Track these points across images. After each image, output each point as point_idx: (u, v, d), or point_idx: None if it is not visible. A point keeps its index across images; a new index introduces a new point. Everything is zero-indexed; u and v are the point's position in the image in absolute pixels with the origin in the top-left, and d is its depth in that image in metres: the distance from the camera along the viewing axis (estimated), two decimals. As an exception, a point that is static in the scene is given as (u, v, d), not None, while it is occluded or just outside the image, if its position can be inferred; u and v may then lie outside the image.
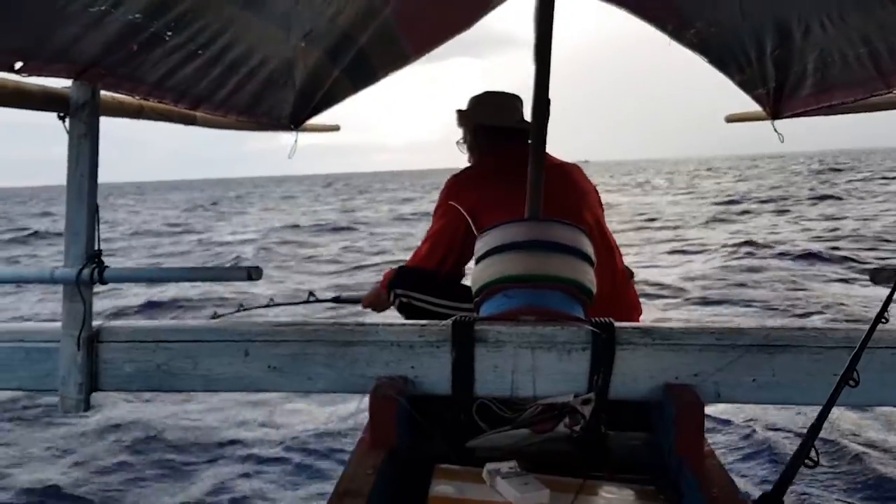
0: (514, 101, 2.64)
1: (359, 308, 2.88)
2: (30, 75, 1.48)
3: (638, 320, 2.49)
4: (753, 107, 2.94)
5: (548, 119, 2.16)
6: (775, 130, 2.86)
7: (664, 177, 51.12)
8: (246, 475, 3.55)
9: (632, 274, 2.81)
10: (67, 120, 1.77)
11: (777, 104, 2.65)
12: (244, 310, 2.65)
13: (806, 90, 2.43)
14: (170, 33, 1.63)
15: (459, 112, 2.70)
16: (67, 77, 1.65)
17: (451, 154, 2.78)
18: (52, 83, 1.69)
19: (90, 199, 1.78)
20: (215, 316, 2.54)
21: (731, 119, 3.28)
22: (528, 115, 2.39)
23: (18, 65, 1.41)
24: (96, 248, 1.79)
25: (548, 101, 2.14)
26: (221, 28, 1.77)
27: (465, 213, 2.44)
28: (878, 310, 1.40)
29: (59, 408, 1.79)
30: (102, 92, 1.82)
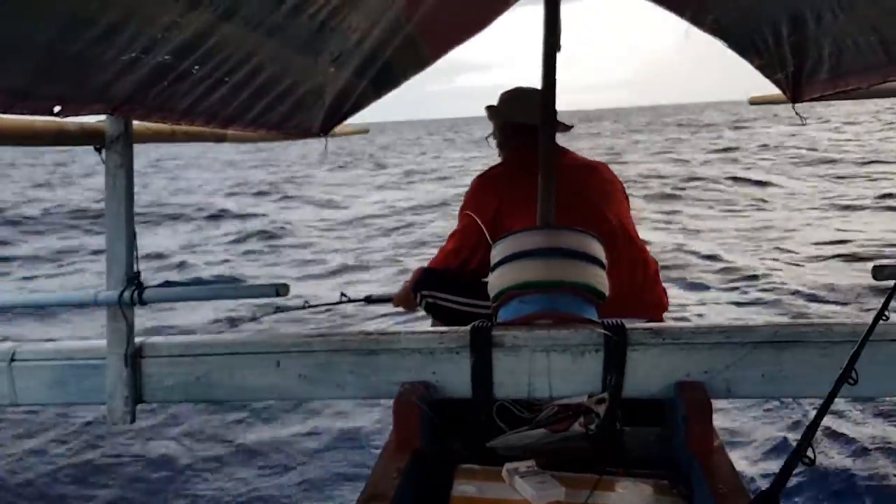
0: None
1: (390, 307, 2.98)
2: (67, 117, 1.59)
3: (662, 315, 2.53)
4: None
5: (555, 128, 2.20)
6: (797, 113, 2.85)
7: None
8: (277, 473, 3.54)
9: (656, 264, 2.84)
10: (103, 152, 1.89)
11: (796, 88, 2.64)
12: (280, 311, 2.74)
13: (823, 75, 2.42)
14: (197, 67, 1.72)
15: (489, 108, 2.72)
16: (102, 113, 1.76)
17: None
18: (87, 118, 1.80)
19: (128, 225, 1.90)
20: (254, 317, 2.61)
21: (754, 101, 3.27)
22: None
23: (57, 108, 1.52)
24: (135, 270, 1.91)
25: (554, 111, 2.18)
26: (246, 56, 1.84)
27: (489, 213, 2.51)
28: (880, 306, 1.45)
29: (107, 420, 1.93)
30: (135, 121, 1.92)
